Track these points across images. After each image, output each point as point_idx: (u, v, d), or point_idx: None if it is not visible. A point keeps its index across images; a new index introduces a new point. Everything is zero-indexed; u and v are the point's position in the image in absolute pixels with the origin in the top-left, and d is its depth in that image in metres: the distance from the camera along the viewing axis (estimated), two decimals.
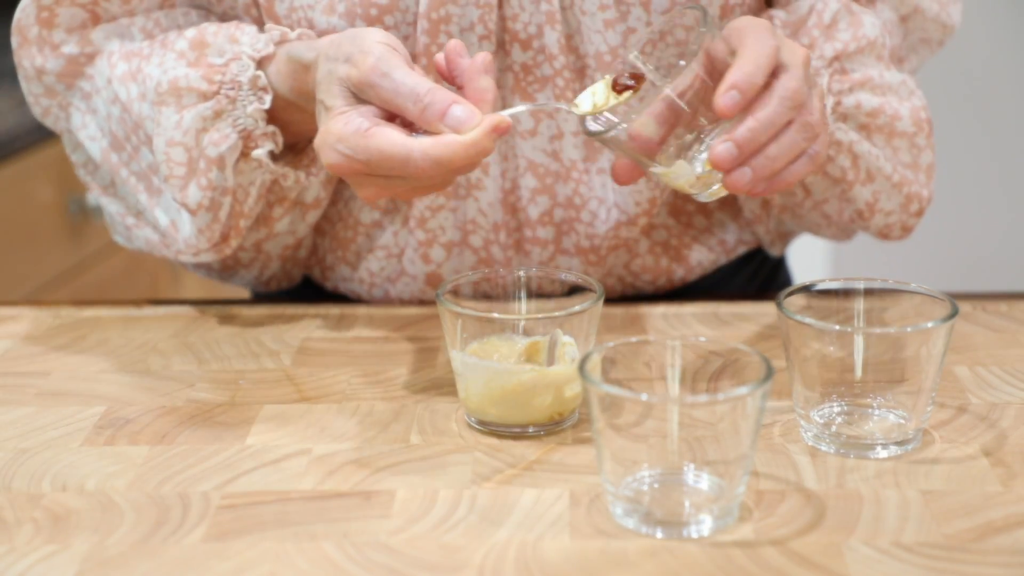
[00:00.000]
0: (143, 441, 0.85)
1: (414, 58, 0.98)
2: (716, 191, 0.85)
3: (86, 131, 1.03)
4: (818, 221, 1.08)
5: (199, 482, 0.79)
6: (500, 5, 0.98)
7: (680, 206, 1.09)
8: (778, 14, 1.02)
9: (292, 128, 0.96)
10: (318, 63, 0.87)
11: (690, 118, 0.84)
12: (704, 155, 0.84)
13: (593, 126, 0.85)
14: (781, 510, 0.75)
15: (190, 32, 0.97)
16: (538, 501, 0.77)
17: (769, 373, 0.72)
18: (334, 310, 1.06)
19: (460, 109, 0.81)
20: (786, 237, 1.15)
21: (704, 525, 0.73)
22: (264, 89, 0.94)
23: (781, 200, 1.07)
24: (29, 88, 1.04)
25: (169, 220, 1.01)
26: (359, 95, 0.84)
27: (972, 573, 0.70)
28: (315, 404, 0.89)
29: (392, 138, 0.81)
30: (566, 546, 0.72)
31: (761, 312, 1.03)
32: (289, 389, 0.92)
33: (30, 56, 1.02)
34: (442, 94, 0.82)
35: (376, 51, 0.83)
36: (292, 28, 0.97)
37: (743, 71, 0.81)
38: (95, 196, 1.08)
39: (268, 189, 1.01)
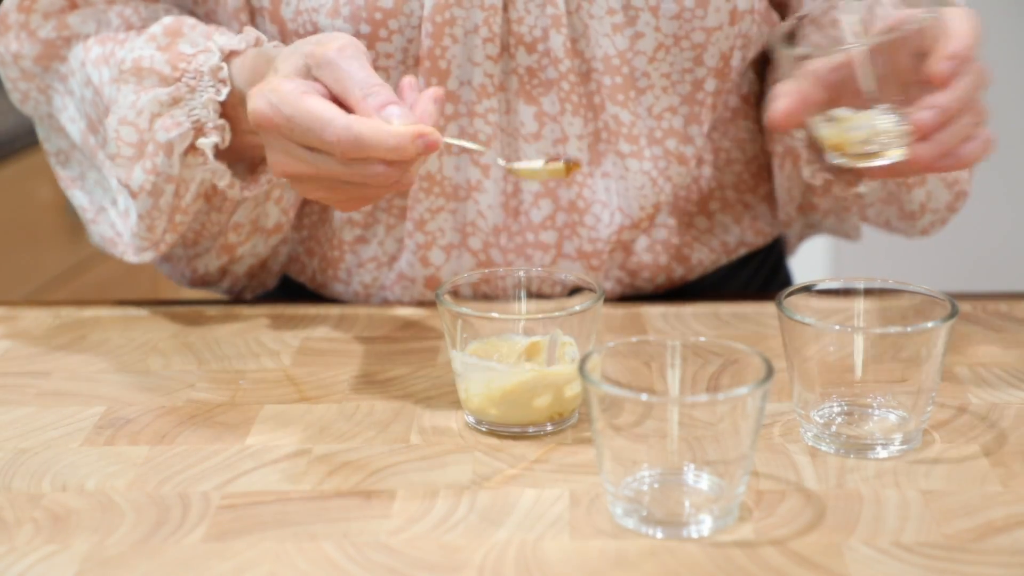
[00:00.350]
0: (143, 441, 0.85)
1: (417, 61, 0.98)
2: (871, 156, 0.87)
3: (66, 113, 1.03)
4: (855, 224, 1.09)
5: (199, 482, 0.79)
6: (505, 8, 0.97)
7: (682, 207, 1.09)
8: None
9: (244, 139, 0.95)
10: (282, 50, 0.87)
11: (857, 89, 0.85)
12: (879, 121, 0.86)
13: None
14: (781, 510, 0.75)
15: (168, 19, 0.97)
16: (538, 501, 0.77)
17: (769, 373, 0.72)
18: (334, 310, 1.06)
19: (398, 109, 0.81)
20: (803, 238, 1.15)
21: (704, 525, 0.73)
22: (223, 81, 0.93)
23: (827, 204, 1.08)
24: (6, 74, 1.04)
25: (125, 206, 1.00)
26: (313, 71, 0.83)
27: (972, 573, 0.69)
28: (315, 404, 0.89)
29: (321, 103, 0.81)
30: (566, 546, 0.72)
31: (761, 312, 1.03)
32: (289, 389, 0.92)
33: (6, 43, 1.02)
34: (387, 91, 0.82)
35: (345, 40, 0.83)
36: (298, 32, 0.98)
37: (963, 43, 0.84)
38: (64, 187, 1.07)
39: (214, 206, 1.00)
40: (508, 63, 0.99)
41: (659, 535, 0.73)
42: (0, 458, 0.83)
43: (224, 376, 0.94)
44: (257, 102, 0.82)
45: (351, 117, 0.80)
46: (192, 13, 1.03)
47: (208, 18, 1.02)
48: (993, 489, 0.77)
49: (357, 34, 0.96)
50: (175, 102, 0.94)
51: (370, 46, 0.97)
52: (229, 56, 0.94)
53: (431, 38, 0.96)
